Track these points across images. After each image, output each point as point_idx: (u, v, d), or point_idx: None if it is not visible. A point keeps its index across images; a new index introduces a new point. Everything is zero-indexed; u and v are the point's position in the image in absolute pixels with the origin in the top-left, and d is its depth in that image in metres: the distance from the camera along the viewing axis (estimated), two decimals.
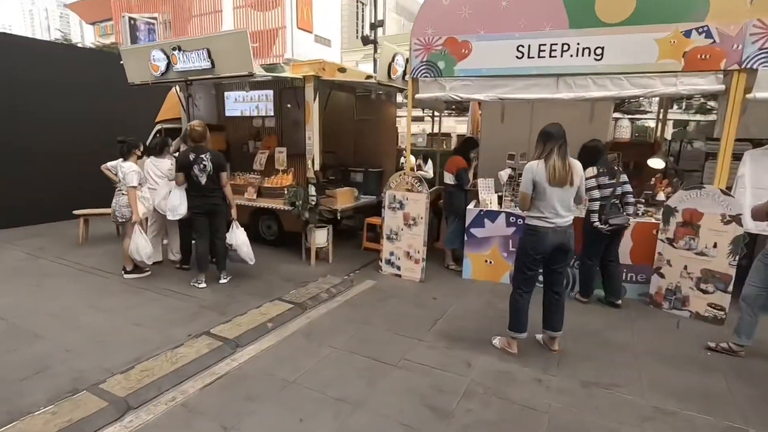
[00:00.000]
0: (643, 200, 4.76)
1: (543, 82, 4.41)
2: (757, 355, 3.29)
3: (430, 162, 10.95)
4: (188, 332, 3.49)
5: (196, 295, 4.29)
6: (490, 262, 4.87)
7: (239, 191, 6.00)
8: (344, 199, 5.79)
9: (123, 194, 4.64)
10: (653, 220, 4.35)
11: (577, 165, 3.09)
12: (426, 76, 4.80)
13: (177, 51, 5.11)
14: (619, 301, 4.20)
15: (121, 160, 4.68)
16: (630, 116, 21.78)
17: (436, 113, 7.84)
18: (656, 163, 4.95)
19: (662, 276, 4.19)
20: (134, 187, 4.55)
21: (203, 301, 4.16)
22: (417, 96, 4.90)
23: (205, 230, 4.53)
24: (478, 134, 6.94)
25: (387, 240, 5.10)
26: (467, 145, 5.30)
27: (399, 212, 4.99)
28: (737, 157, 4.16)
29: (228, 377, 2.90)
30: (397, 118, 8.36)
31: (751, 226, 4.01)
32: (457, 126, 18.29)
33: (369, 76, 6.10)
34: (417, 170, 12.48)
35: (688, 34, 3.92)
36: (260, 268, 5.11)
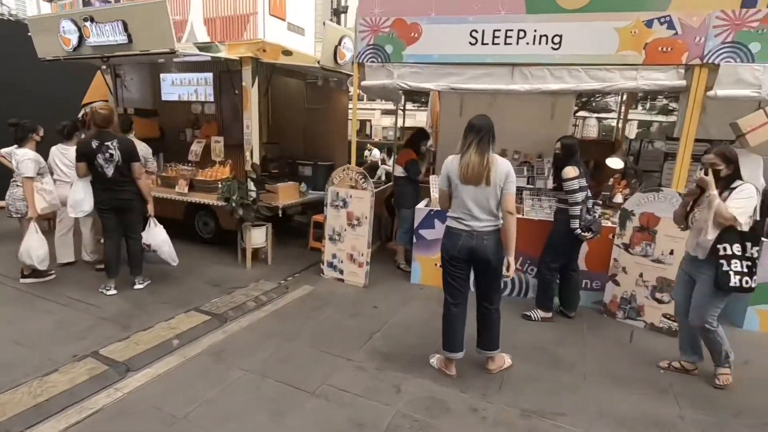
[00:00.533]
0: (601, 202, 4.49)
1: (497, 72, 4.04)
2: (711, 372, 3.05)
3: (394, 156, 10.57)
4: (74, 353, 2.95)
5: (100, 305, 3.72)
6: (440, 267, 4.48)
7: (170, 184, 5.41)
8: (287, 194, 5.30)
9: (18, 185, 3.99)
10: (610, 224, 4.07)
11: (500, 163, 2.64)
12: (373, 61, 4.35)
13: (89, 22, 4.45)
14: (573, 314, 3.91)
15: (15, 146, 4.02)
16: (597, 115, 22.02)
17: (407, 105, 7.41)
18: (615, 162, 4.69)
19: (617, 284, 3.93)
20: (30, 178, 3.91)
21: (106, 311, 3.60)
22: (363, 83, 4.45)
23: (114, 229, 3.95)
24: (437, 128, 6.57)
25: (329, 241, 4.64)
26: (417, 136, 4.91)
27: (342, 211, 4.54)
28: (696, 158, 3.92)
29: (103, 413, 2.40)
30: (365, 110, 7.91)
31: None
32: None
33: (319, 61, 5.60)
34: (381, 164, 12.07)
35: (649, 24, 3.63)
36: (187, 270, 4.57)
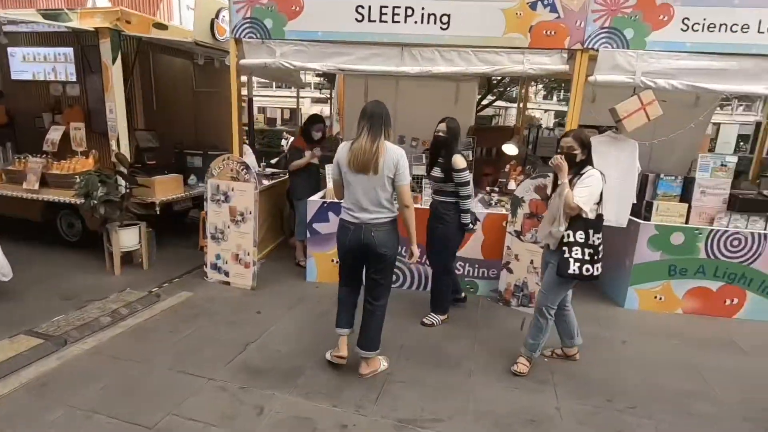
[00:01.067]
0: (497, 189, 4.45)
1: (387, 52, 3.77)
2: (593, 359, 3.08)
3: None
4: None
5: None
6: (337, 262, 4.18)
7: (17, 180, 4.54)
8: (166, 188, 4.66)
9: None
10: (504, 211, 4.02)
11: (390, 151, 2.48)
12: (251, 37, 3.87)
13: None
14: (464, 294, 3.83)
15: None
16: (514, 105, 22.99)
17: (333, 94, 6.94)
18: (510, 149, 4.69)
19: (510, 271, 3.89)
20: None
21: None
22: (243, 62, 3.95)
23: None
24: (343, 114, 6.24)
25: (212, 240, 4.14)
26: (308, 122, 4.52)
27: (224, 206, 4.05)
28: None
29: None
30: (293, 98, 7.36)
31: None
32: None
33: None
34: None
35: (533, 6, 3.54)
36: (36, 282, 3.86)
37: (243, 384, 2.60)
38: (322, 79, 20.20)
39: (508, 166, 4.59)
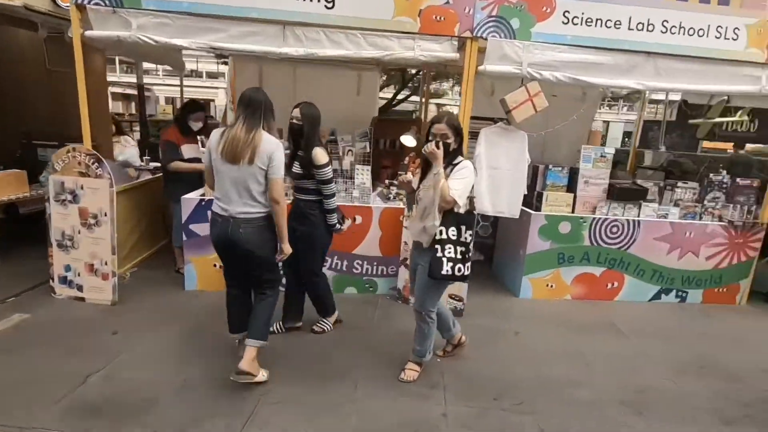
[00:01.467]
0: (396, 182, 4.27)
1: (267, 31, 3.37)
2: (486, 354, 3.01)
3: None
4: None
5: None
6: (220, 267, 3.72)
7: None
8: (2, 186, 3.81)
9: None
10: (402, 205, 3.85)
11: (266, 142, 2.31)
12: (98, 5, 3.23)
13: None
14: (300, 323, 3.24)
15: None
16: (437, 101, 23.48)
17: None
18: (408, 140, 4.54)
19: (408, 267, 3.73)
20: None
21: None
22: (89, 34, 3.30)
23: None
24: (235, 102, 5.67)
25: (58, 248, 3.43)
26: (186, 110, 3.96)
27: (72, 207, 3.37)
28: (474, 134, 3.91)
29: None
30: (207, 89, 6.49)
31: (488, 207, 3.85)
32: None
33: None
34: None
35: None
36: None
37: (71, 429, 2.08)
38: None
39: (407, 159, 4.42)
